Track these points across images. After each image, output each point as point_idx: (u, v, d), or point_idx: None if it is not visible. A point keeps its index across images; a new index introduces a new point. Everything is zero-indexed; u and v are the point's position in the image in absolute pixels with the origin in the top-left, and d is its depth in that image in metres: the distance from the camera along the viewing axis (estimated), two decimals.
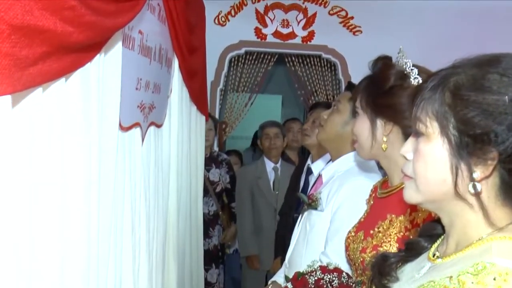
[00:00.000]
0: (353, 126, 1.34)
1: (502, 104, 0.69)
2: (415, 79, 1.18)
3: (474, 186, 0.71)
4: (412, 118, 0.78)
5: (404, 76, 1.20)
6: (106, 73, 1.19)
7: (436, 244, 0.84)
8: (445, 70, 0.77)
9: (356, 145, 1.35)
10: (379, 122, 1.27)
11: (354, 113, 1.36)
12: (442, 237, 0.84)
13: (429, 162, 0.75)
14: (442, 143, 0.73)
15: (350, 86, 1.94)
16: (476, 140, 0.70)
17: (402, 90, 1.20)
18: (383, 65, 1.26)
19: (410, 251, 0.89)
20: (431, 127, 0.75)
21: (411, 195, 0.79)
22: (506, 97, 0.69)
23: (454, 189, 0.72)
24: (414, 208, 1.19)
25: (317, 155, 2.40)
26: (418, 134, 0.77)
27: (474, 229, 0.75)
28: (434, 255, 0.81)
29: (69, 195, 1.02)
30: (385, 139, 1.26)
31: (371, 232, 1.28)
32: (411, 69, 1.19)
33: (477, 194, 0.72)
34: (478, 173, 0.71)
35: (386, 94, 1.23)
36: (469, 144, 0.71)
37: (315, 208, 1.65)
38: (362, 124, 1.29)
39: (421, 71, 1.20)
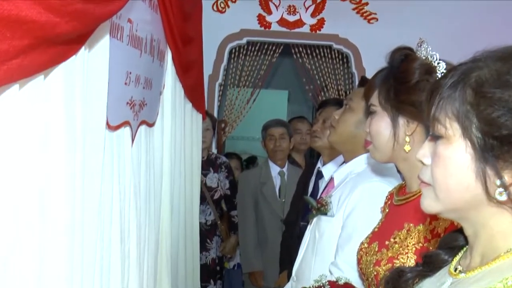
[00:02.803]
0: (368, 126, 1.34)
1: None
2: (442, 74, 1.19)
3: (502, 193, 0.71)
4: (430, 119, 0.79)
5: (430, 70, 1.21)
6: (91, 66, 1.20)
7: (457, 257, 0.85)
8: (465, 65, 0.77)
9: (371, 147, 1.35)
10: (402, 121, 1.28)
11: (368, 112, 1.37)
12: (464, 249, 0.84)
13: (450, 167, 0.75)
14: (464, 146, 0.74)
15: (363, 81, 1.95)
16: (503, 142, 0.71)
17: (428, 86, 1.21)
18: (405, 57, 1.27)
19: (429, 265, 0.89)
20: (451, 129, 0.75)
21: (429, 204, 0.79)
22: None
23: (485, 195, 0.73)
24: (434, 216, 1.20)
25: (328, 158, 2.41)
26: (436, 137, 0.78)
27: (501, 240, 0.75)
28: (456, 270, 0.81)
29: (50, 202, 1.03)
30: (408, 139, 1.27)
31: (386, 243, 1.29)
32: (438, 63, 1.20)
33: (505, 202, 0.72)
34: (505, 178, 0.71)
35: (411, 90, 1.24)
36: (494, 146, 0.71)
37: (325, 214, 1.65)
38: (381, 123, 1.30)
39: (449, 65, 1.21)
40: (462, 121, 0.74)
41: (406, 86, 1.25)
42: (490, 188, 0.72)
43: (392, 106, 1.28)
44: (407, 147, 1.26)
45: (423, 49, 1.23)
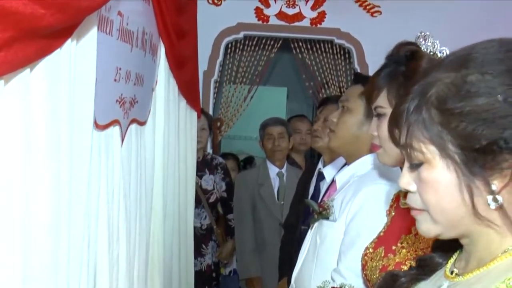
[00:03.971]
0: (376, 129, 1.33)
1: (498, 106, 0.72)
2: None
3: (495, 199, 0.74)
4: (402, 148, 0.81)
5: None
6: (78, 62, 1.19)
7: (452, 260, 0.87)
8: (418, 85, 0.79)
9: (380, 151, 1.34)
10: None
11: (371, 114, 1.35)
12: (458, 251, 0.87)
13: (439, 190, 0.77)
14: (446, 166, 0.76)
15: (357, 78, 1.93)
16: (485, 152, 0.73)
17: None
18: (411, 54, 1.25)
19: (423, 268, 0.91)
20: (429, 152, 0.77)
21: (428, 228, 0.81)
22: (499, 96, 0.72)
23: (472, 209, 0.75)
24: None
25: (329, 159, 2.41)
26: (416, 165, 0.80)
27: (498, 242, 0.78)
28: (452, 272, 0.84)
29: (34, 205, 1.02)
30: None
31: (393, 248, 1.29)
32: None
33: (499, 207, 0.74)
34: (495, 184, 0.74)
35: None
36: (478, 158, 0.73)
37: (327, 218, 1.64)
38: None
39: None
40: (438, 142, 0.76)
41: None
42: (481, 199, 0.75)
43: None
44: None
45: (429, 43, 1.22)
